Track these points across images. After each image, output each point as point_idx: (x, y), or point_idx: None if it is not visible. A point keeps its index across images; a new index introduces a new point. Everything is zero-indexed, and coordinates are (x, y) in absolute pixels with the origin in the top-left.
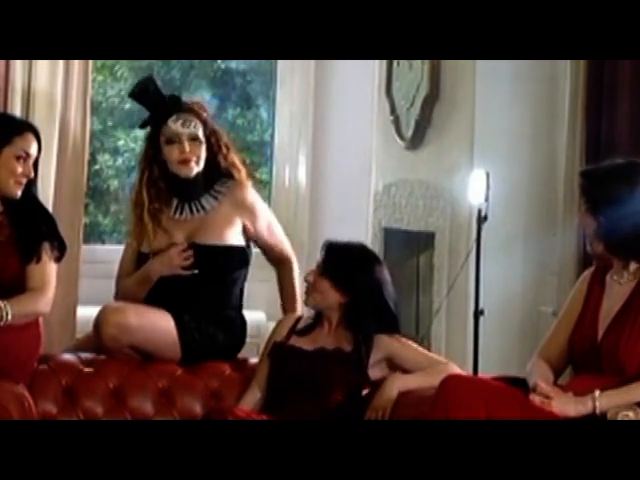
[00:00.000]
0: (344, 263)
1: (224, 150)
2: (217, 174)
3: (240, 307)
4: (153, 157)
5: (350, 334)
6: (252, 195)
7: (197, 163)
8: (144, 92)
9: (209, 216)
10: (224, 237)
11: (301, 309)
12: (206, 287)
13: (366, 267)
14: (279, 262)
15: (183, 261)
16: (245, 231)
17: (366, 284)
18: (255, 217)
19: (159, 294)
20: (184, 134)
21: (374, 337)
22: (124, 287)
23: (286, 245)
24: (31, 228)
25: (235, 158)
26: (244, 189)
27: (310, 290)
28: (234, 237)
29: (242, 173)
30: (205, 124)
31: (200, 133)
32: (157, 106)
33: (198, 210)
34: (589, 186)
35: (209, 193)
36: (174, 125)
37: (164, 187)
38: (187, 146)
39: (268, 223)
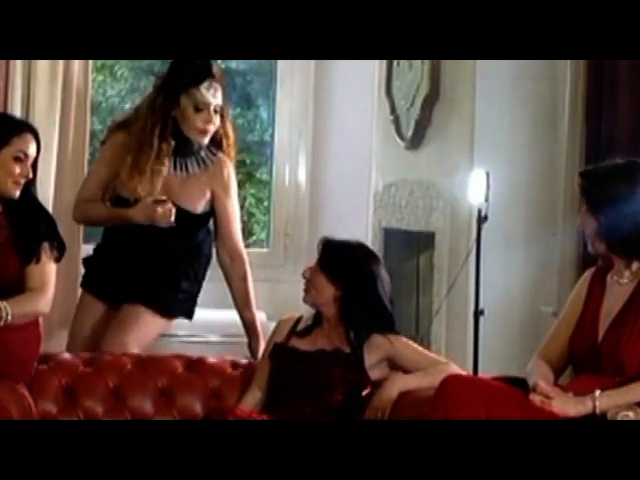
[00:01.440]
0: (340, 257)
1: (226, 121)
2: (210, 140)
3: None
4: (165, 111)
5: (347, 333)
6: (232, 174)
7: (210, 133)
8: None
9: (189, 181)
10: (197, 206)
11: (256, 311)
12: (179, 244)
13: (361, 261)
14: (230, 257)
15: (168, 218)
16: (212, 200)
17: (359, 276)
18: (227, 194)
19: (134, 245)
20: (212, 104)
21: (370, 337)
22: (88, 211)
23: (240, 239)
24: (30, 228)
25: (229, 127)
26: (228, 166)
27: (308, 287)
28: (205, 206)
29: (230, 140)
30: (224, 94)
31: (221, 104)
32: (193, 69)
33: (181, 169)
34: (589, 186)
35: (196, 158)
36: (207, 93)
37: (173, 145)
38: (213, 117)
39: (234, 208)
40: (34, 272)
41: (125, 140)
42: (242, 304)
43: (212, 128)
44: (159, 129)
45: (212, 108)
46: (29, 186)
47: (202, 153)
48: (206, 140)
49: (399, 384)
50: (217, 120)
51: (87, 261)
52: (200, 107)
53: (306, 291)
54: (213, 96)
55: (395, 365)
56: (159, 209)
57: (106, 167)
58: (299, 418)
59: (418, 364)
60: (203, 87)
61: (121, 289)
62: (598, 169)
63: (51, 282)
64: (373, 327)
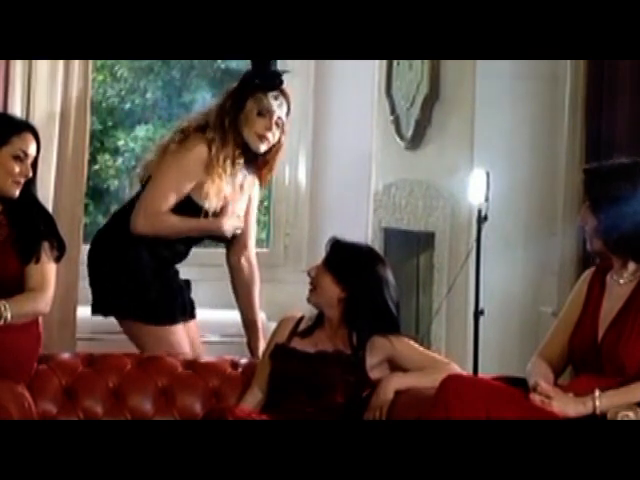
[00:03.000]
0: (348, 259)
1: (279, 147)
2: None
3: None
4: (235, 113)
5: (349, 335)
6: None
7: (268, 144)
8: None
9: (240, 189)
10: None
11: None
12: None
13: (368, 263)
14: (247, 259)
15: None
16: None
17: (366, 279)
18: (255, 199)
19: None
20: (275, 114)
21: (371, 338)
22: (166, 222)
23: (254, 242)
24: (30, 228)
25: (278, 157)
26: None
27: (313, 286)
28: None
29: (275, 163)
30: (288, 115)
31: (284, 120)
32: (265, 76)
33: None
34: (591, 183)
35: (248, 166)
36: (273, 101)
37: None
38: (273, 126)
39: (256, 214)
40: (34, 272)
41: (208, 149)
42: (247, 306)
43: (271, 137)
44: (232, 132)
45: (274, 118)
46: (29, 185)
47: (249, 162)
48: (263, 148)
49: (395, 383)
50: (277, 133)
51: (144, 290)
52: (263, 112)
53: (311, 290)
54: (278, 107)
55: (396, 365)
56: (241, 219)
57: (188, 180)
58: (299, 419)
59: (419, 364)
60: (271, 95)
61: (190, 306)
62: (602, 167)
63: (51, 282)
64: (376, 329)
